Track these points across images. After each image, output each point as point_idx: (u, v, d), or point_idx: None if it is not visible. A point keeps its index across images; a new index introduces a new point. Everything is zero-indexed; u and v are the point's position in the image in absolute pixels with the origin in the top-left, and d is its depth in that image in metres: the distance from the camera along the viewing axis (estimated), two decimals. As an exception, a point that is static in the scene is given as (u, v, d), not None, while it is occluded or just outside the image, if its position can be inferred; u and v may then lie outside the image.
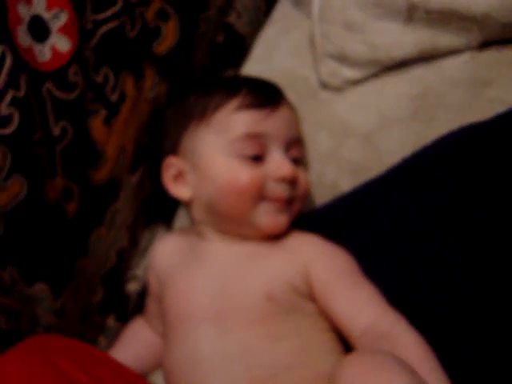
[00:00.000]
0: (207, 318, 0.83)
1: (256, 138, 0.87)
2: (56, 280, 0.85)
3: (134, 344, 0.97)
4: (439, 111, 0.94)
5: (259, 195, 0.85)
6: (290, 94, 0.95)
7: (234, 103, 0.88)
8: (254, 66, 1.09)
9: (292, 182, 0.88)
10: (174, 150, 0.92)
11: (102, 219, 0.91)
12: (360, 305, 0.81)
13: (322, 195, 0.97)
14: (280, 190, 0.86)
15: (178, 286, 0.88)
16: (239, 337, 0.81)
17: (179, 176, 0.91)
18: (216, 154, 0.87)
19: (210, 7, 0.99)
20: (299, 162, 0.91)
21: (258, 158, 0.87)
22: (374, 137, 0.96)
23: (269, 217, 0.86)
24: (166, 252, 0.95)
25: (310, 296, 0.84)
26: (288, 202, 0.88)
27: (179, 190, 0.91)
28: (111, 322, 0.98)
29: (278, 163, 0.87)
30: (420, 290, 0.84)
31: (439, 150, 0.88)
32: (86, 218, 0.88)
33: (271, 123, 0.88)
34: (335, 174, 0.97)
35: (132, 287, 0.99)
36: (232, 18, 1.06)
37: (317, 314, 0.84)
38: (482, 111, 0.91)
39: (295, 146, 0.90)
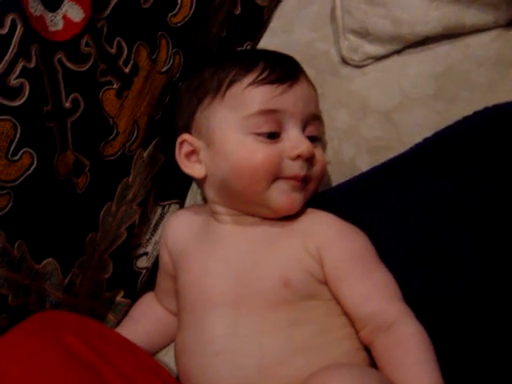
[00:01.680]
0: (223, 302, 0.81)
1: (272, 114, 0.84)
2: (65, 256, 0.83)
3: (143, 321, 0.96)
4: (463, 91, 0.90)
5: (274, 174, 0.83)
6: (309, 69, 0.92)
7: (250, 78, 0.85)
8: (271, 39, 1.06)
9: (309, 160, 0.85)
10: (188, 125, 0.89)
11: (113, 194, 0.88)
12: (367, 292, 0.80)
13: (339, 173, 0.95)
14: (296, 169, 0.84)
15: (194, 268, 0.86)
16: (254, 321, 0.80)
17: (193, 153, 0.89)
18: (231, 131, 0.85)
19: (228, -23, 0.96)
20: (316, 139, 0.89)
21: (273, 135, 0.84)
22: (394, 115, 0.93)
23: (284, 196, 0.84)
24: (178, 229, 0.93)
25: (325, 280, 0.82)
26: (304, 181, 0.85)
27: (192, 168, 0.89)
28: (120, 298, 0.96)
29: (294, 140, 0.84)
30: (433, 276, 0.82)
31: (462, 131, 0.86)
32: (96, 192, 0.86)
33: (288, 99, 0.85)
34: (353, 152, 0.94)
35: (142, 263, 0.97)
36: (251, -11, 1.02)
37: (332, 298, 0.82)
38: (508, 92, 0.88)
39: (313, 123, 0.88)
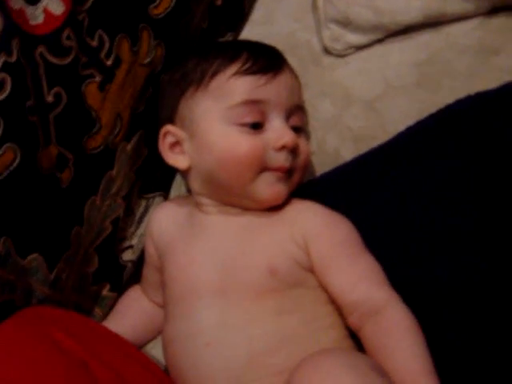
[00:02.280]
0: (210, 292, 0.81)
1: (256, 104, 0.83)
2: (51, 251, 0.83)
3: (129, 314, 0.95)
4: (445, 79, 0.91)
5: (259, 165, 0.83)
6: (292, 59, 0.92)
7: (234, 68, 0.85)
8: (253, 30, 1.05)
9: (293, 151, 0.85)
10: (171, 117, 0.89)
11: (97, 188, 0.88)
12: (354, 279, 0.80)
13: (324, 163, 0.95)
14: (281, 159, 0.84)
15: (179, 260, 0.86)
16: (242, 310, 0.80)
17: (176, 145, 0.88)
18: (214, 122, 0.84)
19: (209, -32, 0.95)
20: (300, 130, 0.89)
21: (257, 126, 0.84)
22: (377, 104, 0.93)
23: (269, 187, 0.84)
24: (163, 221, 0.93)
25: (311, 268, 0.82)
26: (288, 172, 0.85)
27: (176, 159, 0.88)
28: (106, 292, 0.96)
29: (278, 131, 0.84)
30: (421, 262, 0.83)
31: (444, 119, 0.87)
32: (80, 186, 0.85)
33: (272, 90, 0.85)
34: (337, 142, 0.95)
35: (127, 256, 0.97)
36: (231, -21, 1.02)
37: (319, 286, 0.82)
38: (490, 80, 0.88)
39: (296, 114, 0.87)
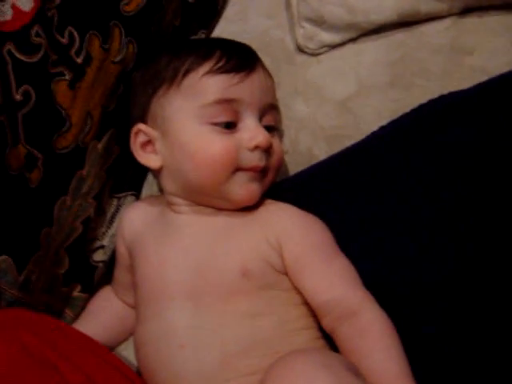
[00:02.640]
0: (182, 293, 0.80)
1: (229, 103, 0.83)
2: (20, 252, 0.81)
3: (101, 315, 0.94)
4: (418, 79, 0.91)
5: (233, 165, 0.82)
6: (265, 58, 0.91)
7: (206, 67, 0.84)
8: (226, 27, 1.05)
9: (266, 151, 0.84)
10: (143, 115, 0.87)
11: (67, 188, 0.86)
12: (328, 281, 0.80)
13: (297, 163, 0.94)
14: (255, 159, 0.83)
15: (151, 261, 0.85)
16: (214, 313, 0.79)
17: (148, 144, 0.87)
18: (186, 121, 0.83)
19: (181, -36, 0.94)
20: (273, 129, 0.88)
21: (230, 125, 0.83)
22: (350, 104, 0.93)
23: (242, 187, 0.83)
24: (135, 221, 0.91)
25: (285, 270, 0.82)
26: (262, 172, 0.85)
27: (148, 159, 0.87)
28: (77, 293, 0.94)
29: (251, 131, 0.83)
30: (393, 260, 0.83)
31: (418, 119, 0.86)
32: (50, 186, 0.84)
33: (245, 88, 0.84)
34: (310, 141, 0.94)
35: (98, 257, 0.96)
36: (204, -24, 1.01)
37: (292, 288, 0.82)
38: (463, 80, 0.89)
39: (270, 113, 0.87)
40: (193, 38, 1.02)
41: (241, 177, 0.83)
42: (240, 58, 0.85)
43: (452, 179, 0.82)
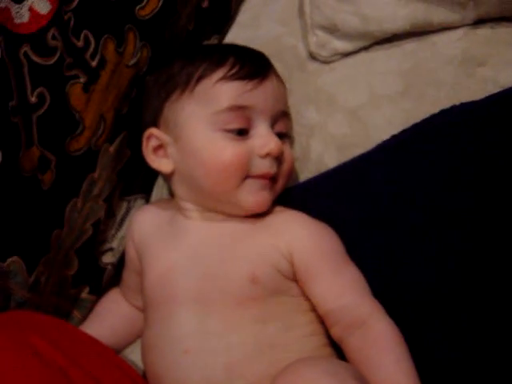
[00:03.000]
0: (189, 298, 0.81)
1: (241, 110, 0.83)
2: (30, 254, 0.81)
3: (109, 317, 0.94)
4: (430, 89, 0.91)
5: (244, 172, 0.82)
6: (277, 64, 0.91)
7: (220, 73, 0.84)
8: (239, 33, 1.05)
9: (278, 158, 0.85)
10: (155, 120, 0.88)
11: (79, 190, 0.86)
12: (338, 290, 0.80)
13: (307, 170, 0.95)
14: (266, 166, 0.83)
15: (160, 265, 0.85)
16: (221, 318, 0.79)
17: (160, 148, 0.87)
18: (199, 127, 0.84)
19: (197, -31, 0.94)
20: (285, 136, 0.88)
21: (242, 132, 0.83)
22: (361, 112, 0.93)
23: (253, 194, 0.83)
24: (145, 224, 0.92)
25: (294, 277, 0.82)
26: (272, 179, 0.85)
27: (160, 163, 0.87)
28: (85, 294, 0.94)
29: (263, 138, 0.83)
30: (406, 268, 0.83)
31: (429, 129, 0.87)
32: (62, 188, 0.84)
33: (258, 96, 0.84)
34: (321, 149, 0.94)
35: (107, 259, 0.96)
36: (219, -19, 1.01)
37: (300, 295, 0.82)
38: (474, 91, 0.89)
39: (282, 120, 0.87)
40: (206, 43, 1.03)
41: (251, 184, 0.83)
42: (253, 65, 0.86)
43: (462, 190, 0.82)
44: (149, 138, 0.87)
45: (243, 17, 1.06)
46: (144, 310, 0.88)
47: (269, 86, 0.86)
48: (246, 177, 0.83)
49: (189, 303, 0.81)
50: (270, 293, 0.81)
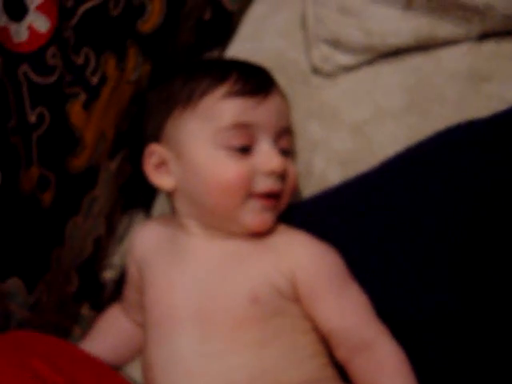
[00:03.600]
0: (190, 318, 0.79)
1: (244, 127, 0.82)
2: (30, 273, 0.80)
3: (110, 334, 0.93)
4: (435, 105, 0.90)
5: (246, 191, 0.81)
6: (280, 78, 0.90)
7: (223, 89, 0.83)
8: (241, 46, 1.03)
9: (281, 175, 0.83)
10: (157, 136, 0.86)
11: (79, 208, 0.85)
12: (344, 313, 0.79)
13: (310, 186, 0.93)
14: (269, 184, 0.82)
15: (160, 282, 0.84)
16: (222, 339, 0.78)
17: (162, 164, 0.86)
18: (201, 144, 0.82)
19: (199, -17, 0.93)
20: (288, 153, 0.87)
21: (245, 150, 0.82)
22: (365, 128, 0.92)
23: (256, 215, 0.82)
24: (146, 241, 0.90)
25: (295, 298, 0.81)
26: (276, 198, 0.84)
27: (161, 180, 0.86)
28: (86, 310, 0.94)
29: (266, 155, 0.82)
30: (406, 292, 0.82)
31: (434, 148, 0.85)
32: (62, 207, 0.83)
33: (261, 112, 0.83)
34: (324, 164, 0.93)
35: (108, 275, 0.95)
36: (221, -7, 1.00)
37: (301, 315, 0.81)
38: (480, 107, 0.88)
39: (285, 137, 0.86)
40: (208, 57, 1.01)
41: (254, 204, 0.82)
42: (257, 81, 0.84)
43: (467, 211, 0.81)
44: (150, 154, 0.86)
45: (245, 29, 1.04)
46: (144, 327, 0.86)
47: (272, 102, 0.84)
48: (249, 195, 0.82)
49: (189, 323, 0.79)
50: (270, 314, 0.79)
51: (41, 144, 0.78)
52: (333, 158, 0.93)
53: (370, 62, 0.94)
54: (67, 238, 0.85)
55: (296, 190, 0.90)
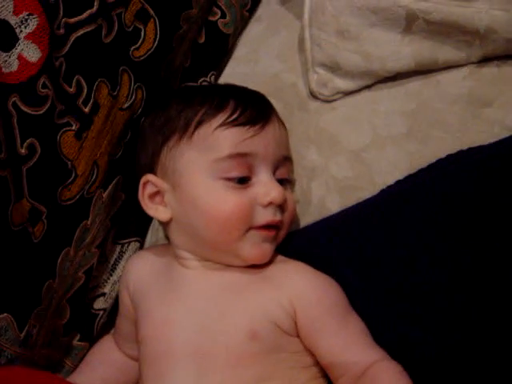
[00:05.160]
0: (187, 354, 0.77)
1: (243, 158, 0.79)
2: (21, 309, 0.78)
3: (100, 367, 0.91)
4: (435, 130, 0.88)
5: (246, 223, 0.79)
6: (276, 102, 0.88)
7: (220, 119, 0.80)
8: (236, 68, 1.01)
9: (281, 206, 0.81)
10: (152, 165, 0.84)
11: (71, 239, 0.82)
12: (345, 342, 0.77)
13: (308, 213, 0.91)
14: (269, 215, 0.80)
15: (155, 317, 0.82)
16: (220, 376, 0.76)
17: (157, 195, 0.83)
18: (198, 175, 0.80)
19: (194, 5, 0.90)
20: (287, 181, 0.85)
21: (244, 180, 0.80)
22: (364, 154, 0.89)
23: (255, 247, 0.80)
24: (140, 272, 0.88)
25: (295, 332, 0.79)
26: (276, 228, 0.81)
27: (157, 211, 0.84)
28: (76, 341, 0.91)
29: (266, 186, 0.80)
30: (407, 320, 0.80)
31: (436, 176, 0.83)
32: (54, 239, 0.80)
33: (259, 142, 0.81)
34: (322, 191, 0.90)
35: (99, 305, 0.92)
36: (215, 16, 0.97)
37: (301, 350, 0.79)
38: (481, 132, 0.86)
39: (284, 165, 0.84)
40: (203, 80, 0.98)
41: (254, 236, 0.80)
42: (255, 109, 0.82)
43: (469, 242, 0.79)
44: (145, 184, 0.83)
45: (241, 51, 1.02)
46: (139, 363, 0.84)
47: (270, 131, 0.82)
48: (249, 227, 0.79)
49: (186, 359, 0.77)
50: (270, 349, 0.77)
51: (31, 176, 0.76)
52: (331, 185, 0.90)
53: (368, 87, 0.92)
54: (59, 270, 0.82)
55: (294, 219, 0.88)
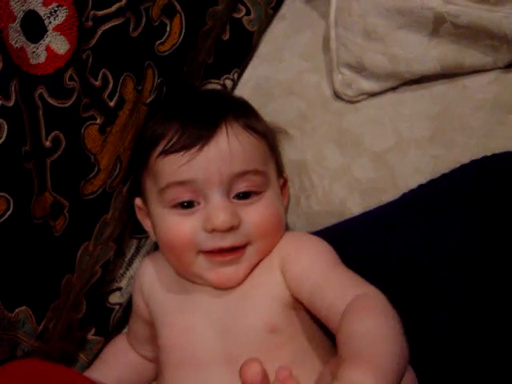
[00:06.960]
0: (215, 359, 0.76)
1: (182, 185, 0.78)
2: (39, 302, 0.77)
3: (115, 366, 0.91)
4: (459, 135, 0.87)
5: (192, 248, 0.79)
6: (299, 101, 0.88)
7: (160, 147, 0.80)
8: (260, 66, 1.00)
9: (231, 230, 0.77)
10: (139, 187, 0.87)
11: (91, 233, 0.82)
12: (343, 288, 0.72)
13: (329, 214, 0.90)
14: (214, 241, 0.77)
15: (174, 326, 0.81)
16: None
17: (146, 217, 0.87)
18: (153, 203, 0.83)
19: (219, 2, 0.89)
20: (253, 194, 0.80)
21: (190, 205, 0.79)
22: (387, 156, 0.89)
23: (212, 272, 0.79)
24: (153, 275, 0.87)
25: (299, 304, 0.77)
26: (234, 250, 0.78)
27: (150, 230, 0.87)
28: (91, 335, 0.90)
29: (209, 211, 0.78)
30: (424, 322, 0.79)
31: (459, 182, 0.83)
32: (74, 233, 0.79)
33: (197, 166, 0.77)
34: (344, 192, 0.90)
35: (115, 299, 0.92)
36: (240, 13, 0.96)
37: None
38: (506, 138, 0.85)
39: (243, 179, 0.79)
40: (226, 77, 0.97)
41: (204, 261, 0.79)
42: (196, 129, 0.79)
43: (491, 249, 0.78)
44: (136, 206, 0.88)
45: (265, 49, 1.01)
46: (160, 367, 0.82)
47: (211, 150, 0.78)
48: (199, 252, 0.79)
49: (216, 364, 0.76)
50: (290, 334, 0.76)
51: (55, 169, 0.75)
52: (353, 186, 0.89)
53: (393, 89, 0.91)
54: (78, 264, 0.81)
55: (281, 227, 0.83)
